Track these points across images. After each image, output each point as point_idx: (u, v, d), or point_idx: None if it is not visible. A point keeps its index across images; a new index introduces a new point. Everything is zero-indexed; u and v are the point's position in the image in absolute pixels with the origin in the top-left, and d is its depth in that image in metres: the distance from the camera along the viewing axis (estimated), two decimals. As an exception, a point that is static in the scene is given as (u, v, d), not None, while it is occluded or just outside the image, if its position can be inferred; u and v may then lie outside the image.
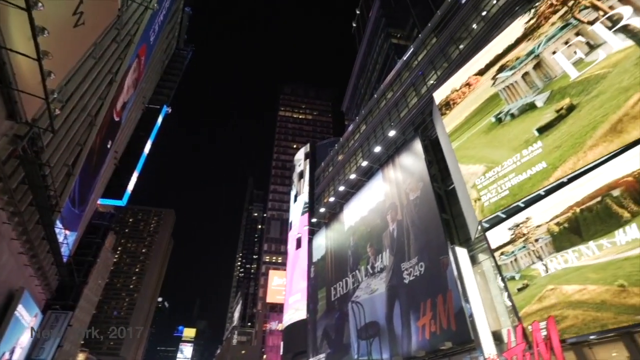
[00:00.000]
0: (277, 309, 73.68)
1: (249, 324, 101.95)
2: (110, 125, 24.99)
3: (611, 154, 13.44)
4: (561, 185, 14.92)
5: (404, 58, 36.02)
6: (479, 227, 18.30)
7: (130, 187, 40.69)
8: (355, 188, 36.29)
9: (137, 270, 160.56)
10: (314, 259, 41.55)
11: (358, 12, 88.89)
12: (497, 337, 17.51)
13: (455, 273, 19.24)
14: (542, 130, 16.59)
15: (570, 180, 14.62)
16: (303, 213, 51.15)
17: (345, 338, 29.47)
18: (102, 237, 40.55)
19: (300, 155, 61.45)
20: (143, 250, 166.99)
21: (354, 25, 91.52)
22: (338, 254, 35.82)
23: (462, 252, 20.38)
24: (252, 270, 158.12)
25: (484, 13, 25.96)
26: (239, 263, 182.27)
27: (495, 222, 17.52)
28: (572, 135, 15.12)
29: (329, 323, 33.32)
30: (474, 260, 20.46)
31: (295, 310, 43.87)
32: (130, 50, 23.42)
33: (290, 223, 56.74)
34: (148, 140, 44.44)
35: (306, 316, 39.77)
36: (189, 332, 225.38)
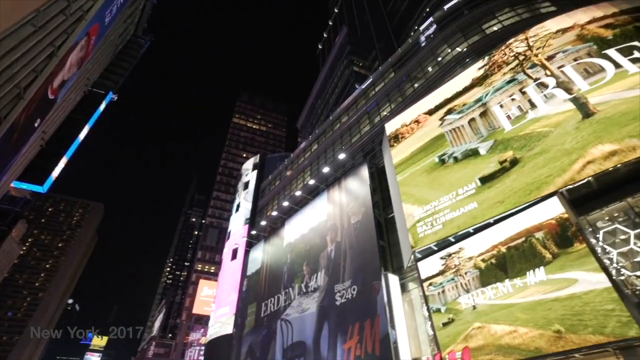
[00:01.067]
0: (203, 321, 69.84)
1: (170, 335, 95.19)
2: (42, 102, 22.65)
3: (537, 199, 14.32)
4: (488, 225, 15.96)
5: (363, 86, 37.50)
6: (412, 257, 19.05)
7: (56, 173, 36.91)
8: (299, 205, 36.22)
9: (47, 266, 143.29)
10: (249, 272, 40.33)
11: (325, 35, 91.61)
12: (416, 365, 18.08)
13: (385, 299, 19.74)
14: (485, 180, 16.84)
15: (497, 221, 15.67)
16: (244, 224, 49.76)
17: (270, 356, 28.57)
18: (9, 225, 36.02)
19: (248, 165, 60.23)
20: (59, 245, 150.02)
21: (320, 47, 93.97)
22: (273, 270, 35.12)
23: (393, 279, 21.07)
24: (182, 278, 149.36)
25: (439, 59, 28.02)
26: (169, 269, 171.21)
27: (428, 253, 18.35)
28: (515, 192, 15.12)
29: (255, 340, 32.18)
30: (404, 288, 21.18)
31: (222, 324, 41.81)
32: (80, 26, 21.75)
33: (229, 233, 54.77)
34: (85, 126, 40.94)
35: (232, 331, 38.09)
36: (99, 341, 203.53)
